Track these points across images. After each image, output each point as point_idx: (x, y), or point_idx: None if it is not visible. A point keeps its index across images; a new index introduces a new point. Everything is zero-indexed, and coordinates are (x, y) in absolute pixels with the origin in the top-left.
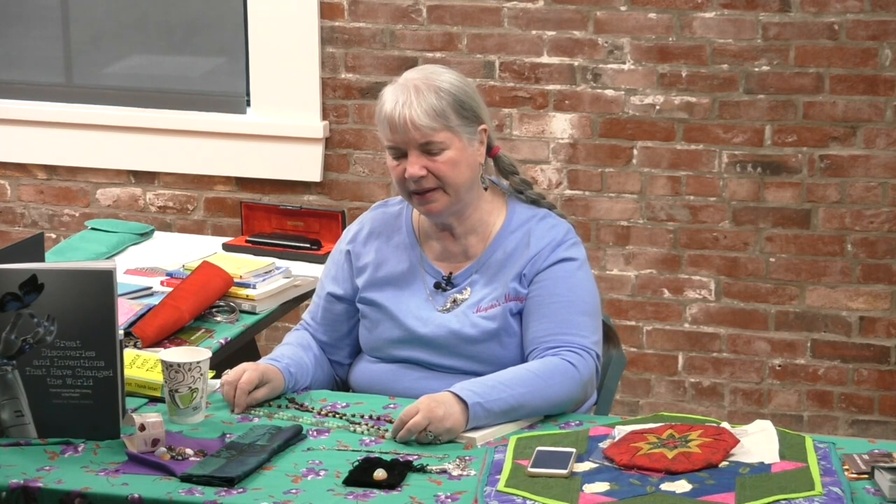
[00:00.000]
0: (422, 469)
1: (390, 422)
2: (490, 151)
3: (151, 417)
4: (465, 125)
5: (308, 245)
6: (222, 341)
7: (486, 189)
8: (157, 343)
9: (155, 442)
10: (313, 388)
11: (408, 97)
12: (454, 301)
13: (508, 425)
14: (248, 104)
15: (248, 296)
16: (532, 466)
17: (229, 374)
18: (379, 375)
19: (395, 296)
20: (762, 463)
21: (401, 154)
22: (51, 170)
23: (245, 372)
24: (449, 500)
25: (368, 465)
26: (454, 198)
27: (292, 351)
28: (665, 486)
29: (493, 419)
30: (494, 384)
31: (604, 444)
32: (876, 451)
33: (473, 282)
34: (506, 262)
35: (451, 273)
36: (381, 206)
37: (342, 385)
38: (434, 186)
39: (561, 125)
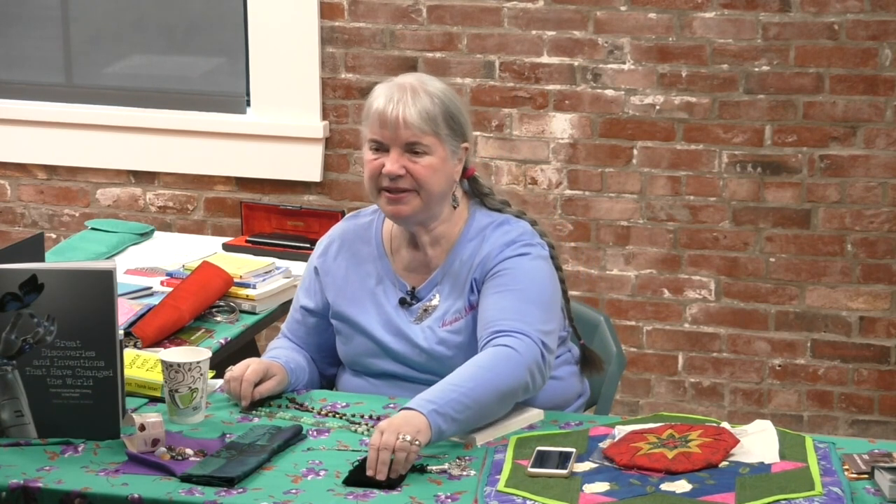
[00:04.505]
0: (422, 469)
1: None
2: (465, 172)
3: (151, 417)
4: (452, 137)
5: (308, 245)
6: (222, 341)
7: (455, 207)
8: (157, 343)
9: (155, 442)
10: (309, 389)
11: (403, 95)
12: (425, 310)
13: (509, 425)
14: (248, 104)
15: (248, 296)
16: (532, 466)
17: (234, 370)
18: (363, 390)
19: (364, 310)
20: (762, 463)
21: (382, 149)
22: (51, 170)
23: (250, 366)
24: (449, 500)
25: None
26: (425, 204)
27: (285, 352)
28: (665, 486)
29: (455, 425)
30: (444, 387)
31: (604, 444)
32: (876, 451)
33: (438, 292)
34: (461, 270)
35: (414, 287)
36: (352, 218)
37: None
38: (409, 188)
39: (561, 125)
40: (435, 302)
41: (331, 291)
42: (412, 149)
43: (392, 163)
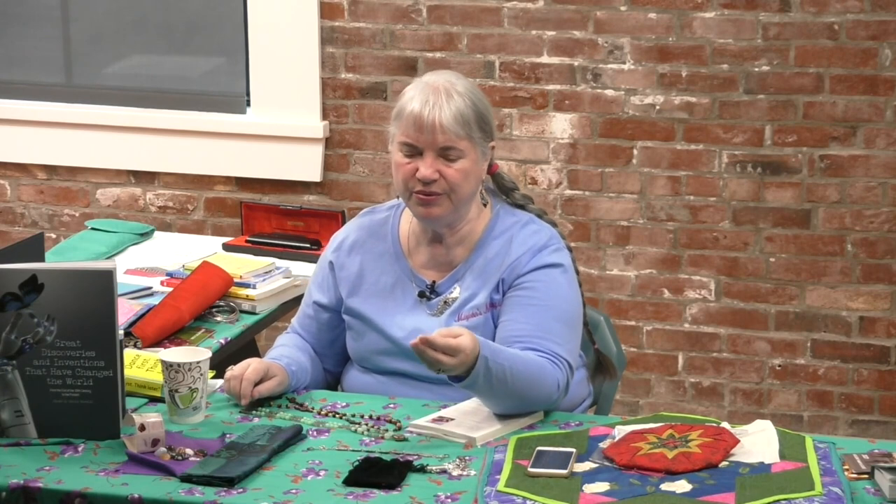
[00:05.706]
0: (422, 469)
1: (390, 422)
2: (489, 169)
3: (151, 417)
4: (483, 139)
5: (308, 245)
6: (222, 341)
7: (485, 205)
8: (157, 343)
9: (155, 442)
10: (310, 389)
11: (438, 98)
12: (445, 303)
13: (509, 425)
14: (248, 104)
15: (248, 296)
16: (532, 466)
17: (234, 369)
18: (370, 387)
19: (379, 306)
20: (762, 463)
21: (415, 152)
22: (51, 170)
23: (251, 365)
24: (449, 500)
25: (368, 465)
26: (456, 206)
27: (289, 351)
28: (665, 486)
29: (480, 390)
30: (502, 350)
31: (604, 444)
32: (876, 451)
33: (459, 285)
34: (486, 268)
35: (434, 281)
36: (368, 214)
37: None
38: (441, 192)
39: (561, 125)
40: (455, 294)
41: (345, 287)
42: (445, 154)
43: (427, 167)
